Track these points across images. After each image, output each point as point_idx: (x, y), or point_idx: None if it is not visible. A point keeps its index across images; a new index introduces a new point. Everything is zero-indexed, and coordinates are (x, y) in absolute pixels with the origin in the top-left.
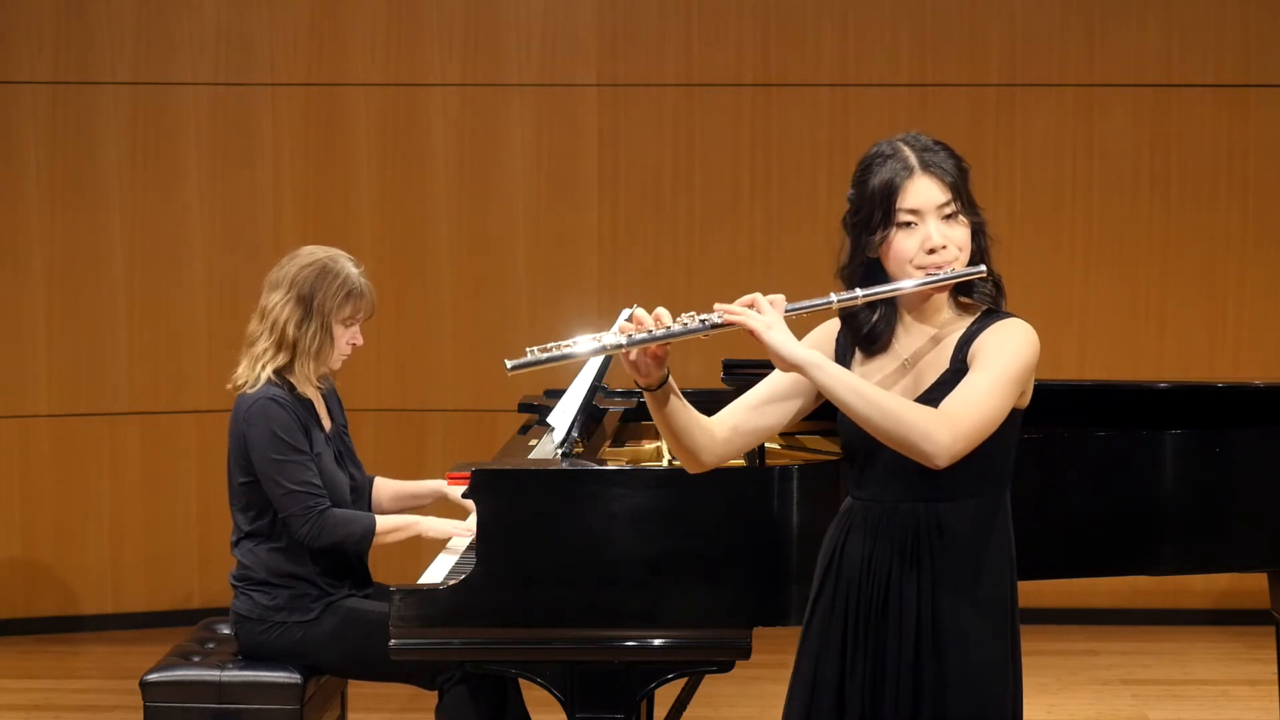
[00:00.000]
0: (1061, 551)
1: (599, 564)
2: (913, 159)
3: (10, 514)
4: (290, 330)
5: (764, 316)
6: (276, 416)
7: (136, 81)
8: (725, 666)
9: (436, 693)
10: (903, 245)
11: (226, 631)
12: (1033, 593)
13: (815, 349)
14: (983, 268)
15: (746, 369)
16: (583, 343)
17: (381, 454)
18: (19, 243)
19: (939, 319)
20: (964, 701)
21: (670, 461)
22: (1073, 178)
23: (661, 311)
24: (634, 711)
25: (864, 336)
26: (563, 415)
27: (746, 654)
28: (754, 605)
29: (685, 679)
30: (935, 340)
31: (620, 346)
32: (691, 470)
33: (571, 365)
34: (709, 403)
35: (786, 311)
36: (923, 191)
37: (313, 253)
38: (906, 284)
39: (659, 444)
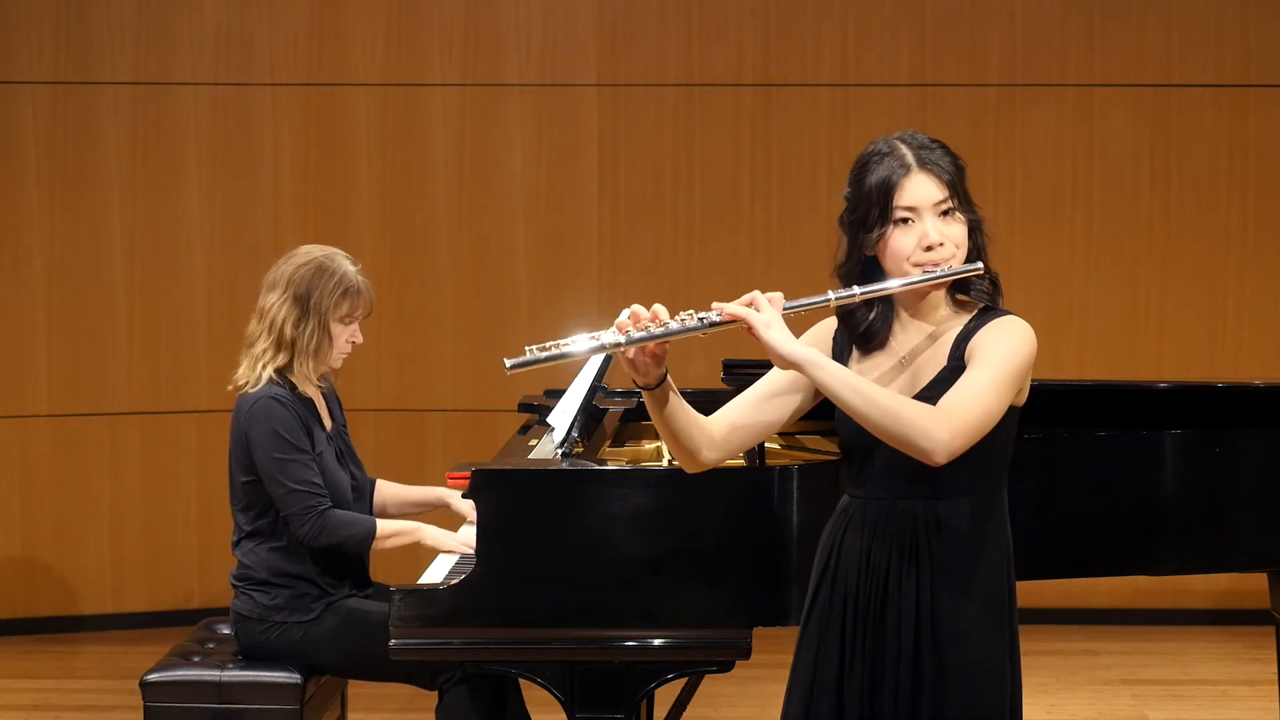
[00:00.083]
0: (1061, 551)
1: (599, 564)
2: (909, 156)
3: (10, 514)
4: (288, 330)
5: (762, 314)
6: (278, 415)
7: (136, 81)
8: (725, 666)
9: (436, 693)
10: (900, 243)
11: (226, 631)
12: (1033, 593)
13: (812, 347)
14: (980, 265)
15: (746, 369)
16: (581, 341)
17: (381, 454)
18: (19, 243)
19: (936, 316)
20: (963, 699)
21: (670, 461)
22: (1073, 178)
23: (659, 309)
24: (634, 711)
25: (861, 334)
26: (563, 415)
27: (746, 654)
28: (754, 605)
29: (685, 679)
30: (932, 338)
31: (619, 345)
32: (690, 470)
33: (571, 365)
34: (709, 403)
35: (785, 309)
36: (920, 189)
37: (309, 252)
38: (904, 281)
39: (659, 444)
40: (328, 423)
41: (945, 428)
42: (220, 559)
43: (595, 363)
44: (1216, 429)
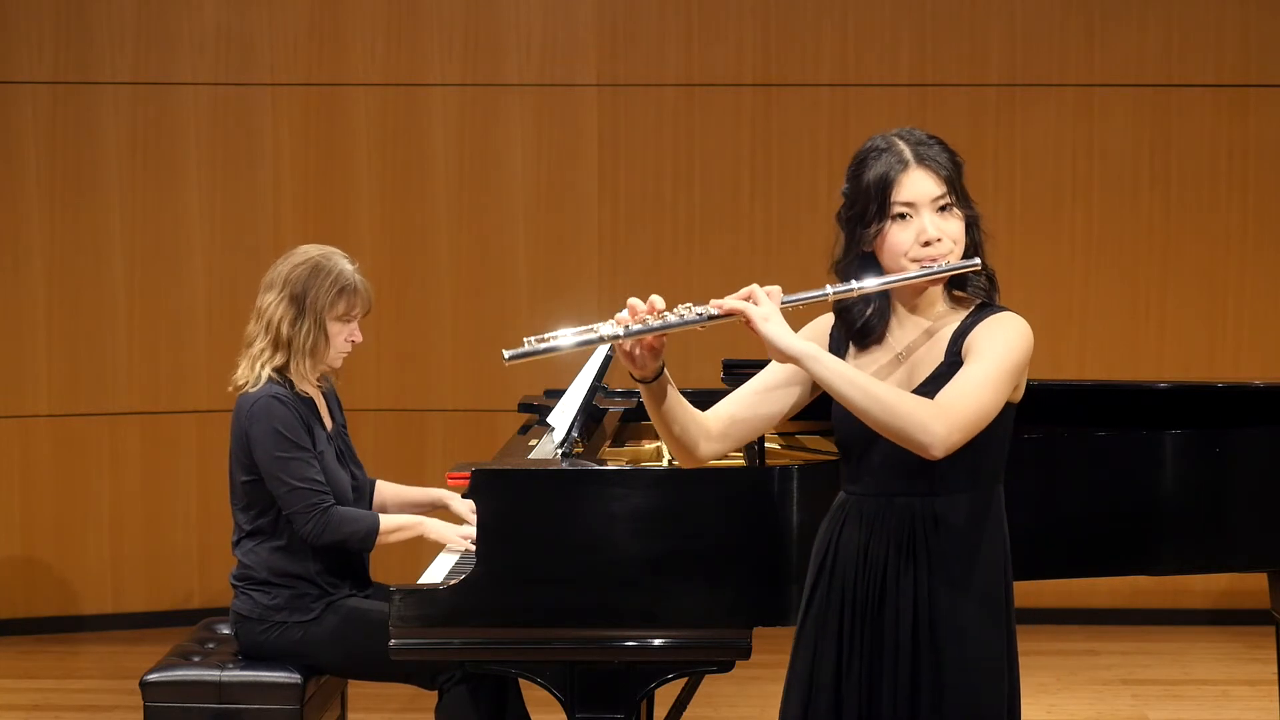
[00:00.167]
0: (1061, 551)
1: (599, 564)
2: (907, 152)
3: (10, 514)
4: (284, 329)
5: (760, 308)
6: (279, 414)
7: (136, 81)
8: (725, 666)
9: (436, 693)
10: (897, 238)
11: (226, 631)
12: (1033, 593)
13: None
14: (977, 261)
15: (746, 369)
16: (579, 333)
17: (381, 454)
18: (19, 243)
19: (933, 312)
20: (961, 695)
21: (670, 461)
22: (1073, 178)
23: (657, 301)
24: (634, 711)
25: (858, 330)
26: (563, 415)
27: (746, 654)
28: (754, 605)
29: (685, 679)
30: (929, 333)
31: (617, 337)
32: (686, 464)
33: (572, 365)
34: (709, 403)
35: (783, 303)
36: (917, 184)
37: (306, 251)
38: (902, 276)
39: (659, 444)
40: (328, 423)
41: (943, 422)
42: (220, 559)
43: (595, 363)
44: (1216, 429)
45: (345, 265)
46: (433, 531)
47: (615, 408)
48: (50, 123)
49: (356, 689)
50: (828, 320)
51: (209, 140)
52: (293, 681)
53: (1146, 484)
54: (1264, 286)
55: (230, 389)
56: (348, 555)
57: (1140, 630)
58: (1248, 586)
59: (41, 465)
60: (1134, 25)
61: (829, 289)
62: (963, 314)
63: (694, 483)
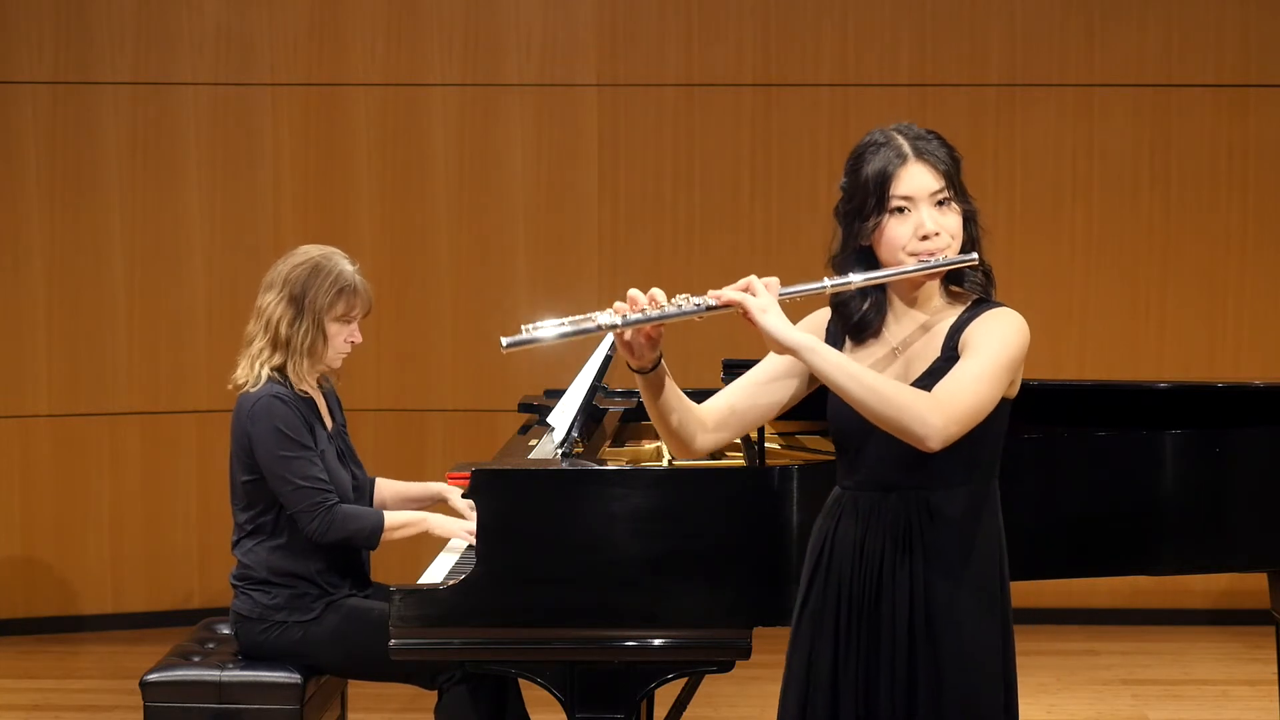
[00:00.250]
0: (1061, 551)
1: (599, 564)
2: (906, 147)
3: (10, 514)
4: (283, 329)
5: (759, 299)
6: (280, 413)
7: (136, 81)
8: (725, 666)
9: (436, 693)
10: (895, 232)
11: (226, 631)
12: (1033, 593)
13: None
14: (975, 256)
15: (746, 369)
16: (577, 322)
17: (381, 454)
18: (19, 243)
19: (930, 307)
20: (959, 688)
21: (670, 461)
22: (1073, 178)
23: (656, 292)
24: (634, 711)
25: (855, 324)
26: (563, 415)
27: (746, 654)
28: (754, 605)
29: (685, 679)
30: (925, 328)
31: (614, 326)
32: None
33: (572, 365)
34: None
35: (781, 295)
36: (916, 178)
37: (306, 251)
38: (900, 270)
39: (659, 444)
40: (328, 423)
41: (940, 414)
42: (220, 559)
43: (595, 363)
44: (1216, 429)
45: (345, 266)
46: (437, 527)
47: (615, 408)
48: (50, 123)
49: (356, 689)
50: (824, 315)
51: (209, 140)
52: (293, 681)
53: (1146, 484)
54: (1264, 286)
55: (230, 388)
56: (348, 555)
57: (1140, 630)
58: (1248, 586)
59: (41, 465)
60: (1134, 25)
61: (827, 281)
62: (959, 309)
63: (694, 483)
